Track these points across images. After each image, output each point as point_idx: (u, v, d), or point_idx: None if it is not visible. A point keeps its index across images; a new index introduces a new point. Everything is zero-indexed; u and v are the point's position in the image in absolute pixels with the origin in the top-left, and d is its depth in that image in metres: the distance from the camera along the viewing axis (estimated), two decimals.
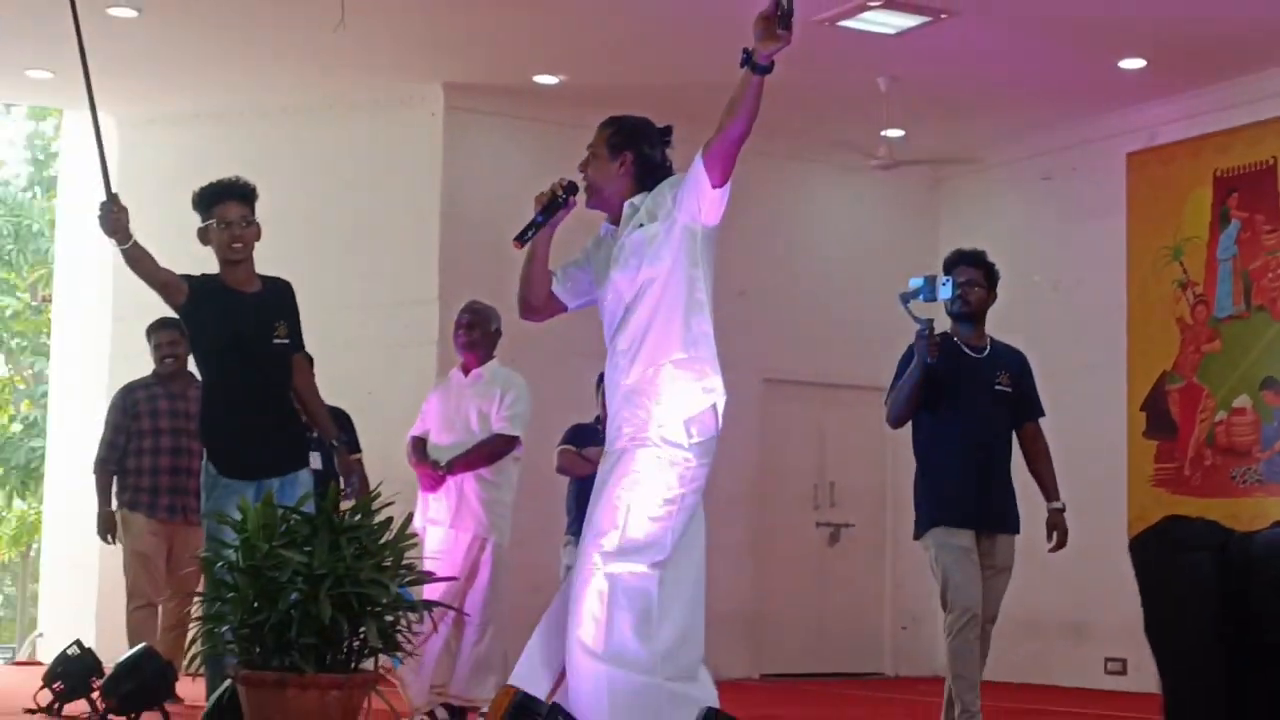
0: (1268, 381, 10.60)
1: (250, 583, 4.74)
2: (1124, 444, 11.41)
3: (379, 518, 4.92)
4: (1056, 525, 6.76)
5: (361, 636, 4.76)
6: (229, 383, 6.31)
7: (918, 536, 6.80)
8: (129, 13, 9.71)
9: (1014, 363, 6.89)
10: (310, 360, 7.09)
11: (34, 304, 22.49)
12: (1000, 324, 12.71)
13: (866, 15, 9.75)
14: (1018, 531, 6.74)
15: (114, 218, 5.98)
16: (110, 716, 6.40)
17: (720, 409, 4.99)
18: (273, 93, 11.53)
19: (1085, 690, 10.87)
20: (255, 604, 4.72)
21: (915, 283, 6.65)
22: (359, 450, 8.37)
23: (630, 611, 4.85)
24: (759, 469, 12.31)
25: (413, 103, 11.54)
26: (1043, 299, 12.15)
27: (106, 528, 8.48)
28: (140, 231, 6.12)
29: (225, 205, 6.25)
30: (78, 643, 7.34)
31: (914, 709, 6.84)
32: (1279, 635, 2.17)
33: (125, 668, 6.52)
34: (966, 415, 6.67)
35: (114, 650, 7.31)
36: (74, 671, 7.04)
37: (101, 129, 6.23)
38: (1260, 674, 2.18)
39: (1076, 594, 11.19)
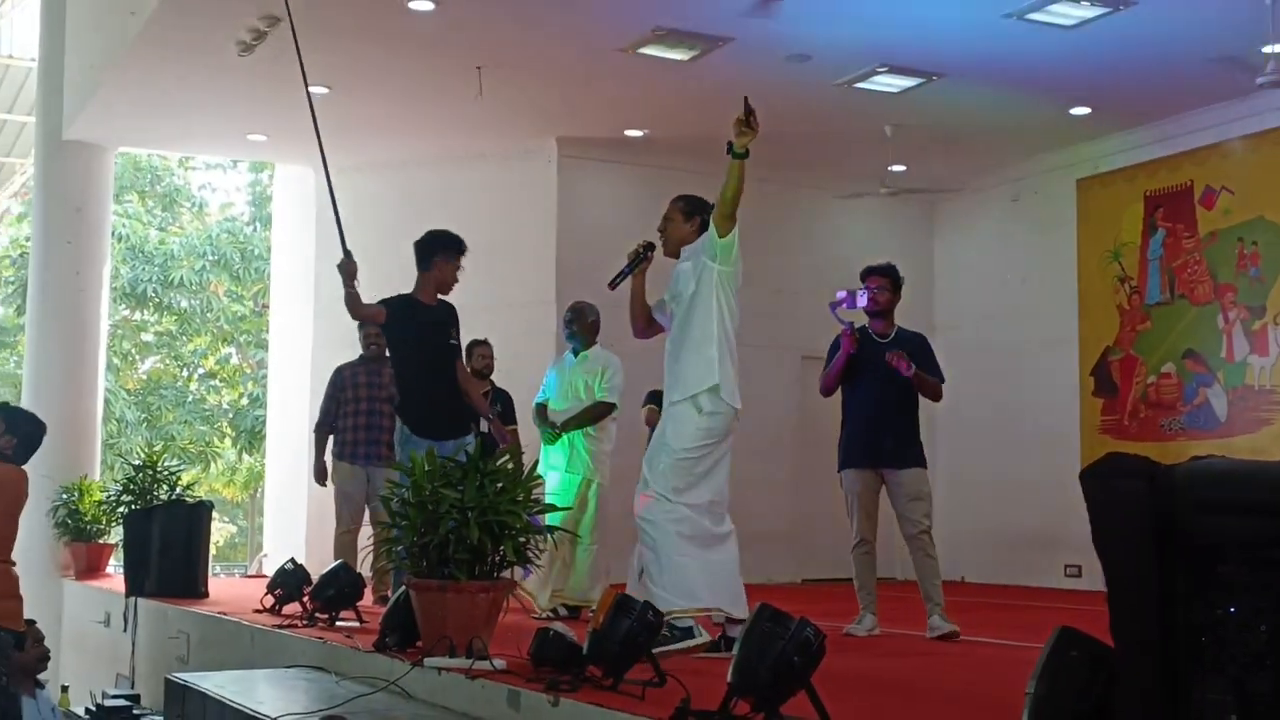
0: (1188, 353, 10.45)
1: (418, 514, 4.79)
2: (1077, 401, 11.29)
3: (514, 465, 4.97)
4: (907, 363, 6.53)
5: (501, 553, 4.78)
6: (418, 370, 6.55)
7: (838, 473, 6.89)
8: (322, 90, 9.78)
9: (913, 343, 6.78)
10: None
11: (256, 309, 22.77)
12: (980, 310, 12.58)
13: (875, 79, 9.71)
14: (920, 466, 6.66)
15: (349, 268, 6.34)
16: (317, 614, 6.46)
17: (726, 390, 5.10)
18: (429, 147, 11.57)
19: (1049, 589, 10.75)
20: (422, 530, 4.77)
21: (840, 294, 6.79)
22: (515, 423, 8.41)
23: (688, 528, 5.02)
24: (799, 423, 12.22)
25: (534, 153, 11.55)
26: (1014, 292, 12.04)
27: (320, 474, 8.52)
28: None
29: (460, 254, 6.65)
30: (292, 560, 7.41)
31: (917, 604, 6.81)
32: (1200, 540, 2.15)
33: (327, 578, 6.57)
34: (870, 384, 6.66)
35: (318, 566, 7.39)
36: (290, 582, 7.11)
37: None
38: (1183, 572, 2.16)
39: (1042, 514, 11.07)
